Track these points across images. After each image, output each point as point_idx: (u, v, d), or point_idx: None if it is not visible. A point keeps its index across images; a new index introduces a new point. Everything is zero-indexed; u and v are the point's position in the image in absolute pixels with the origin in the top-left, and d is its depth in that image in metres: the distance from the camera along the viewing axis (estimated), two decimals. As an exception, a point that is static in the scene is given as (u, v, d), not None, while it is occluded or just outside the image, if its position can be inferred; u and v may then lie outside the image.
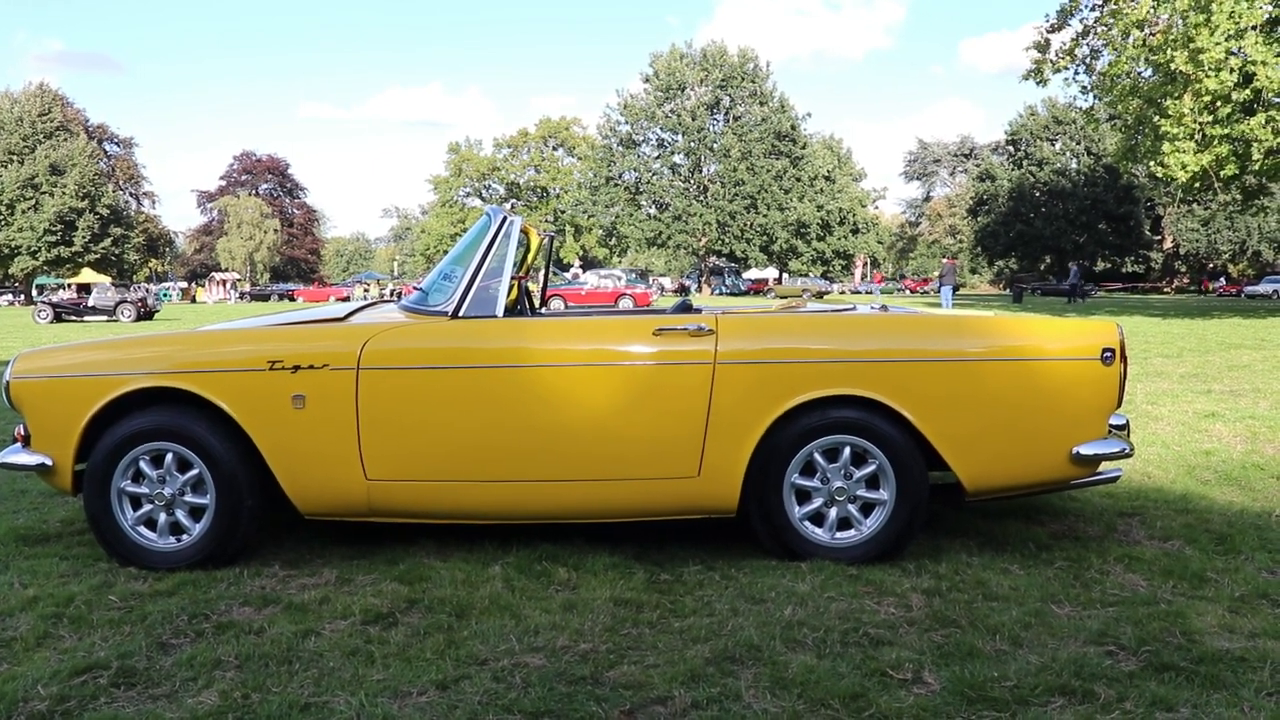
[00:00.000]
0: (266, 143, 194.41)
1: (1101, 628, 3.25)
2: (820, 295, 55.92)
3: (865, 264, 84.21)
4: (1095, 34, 24.76)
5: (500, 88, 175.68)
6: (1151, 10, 21.37)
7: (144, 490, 3.96)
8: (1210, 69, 19.89)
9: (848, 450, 3.92)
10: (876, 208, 79.59)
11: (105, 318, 30.79)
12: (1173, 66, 20.43)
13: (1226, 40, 19.86)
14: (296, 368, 3.86)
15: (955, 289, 33.58)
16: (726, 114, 65.25)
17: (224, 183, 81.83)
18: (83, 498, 4.00)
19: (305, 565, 4.00)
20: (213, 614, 3.43)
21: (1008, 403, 3.94)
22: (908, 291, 74.64)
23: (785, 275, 72.47)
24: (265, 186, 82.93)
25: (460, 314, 3.98)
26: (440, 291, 4.12)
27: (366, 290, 62.18)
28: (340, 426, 3.86)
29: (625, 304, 34.20)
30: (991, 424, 3.94)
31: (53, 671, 2.91)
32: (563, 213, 78.38)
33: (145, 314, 31.03)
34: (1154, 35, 22.13)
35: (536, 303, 5.24)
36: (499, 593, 3.59)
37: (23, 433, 4.11)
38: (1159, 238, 69.75)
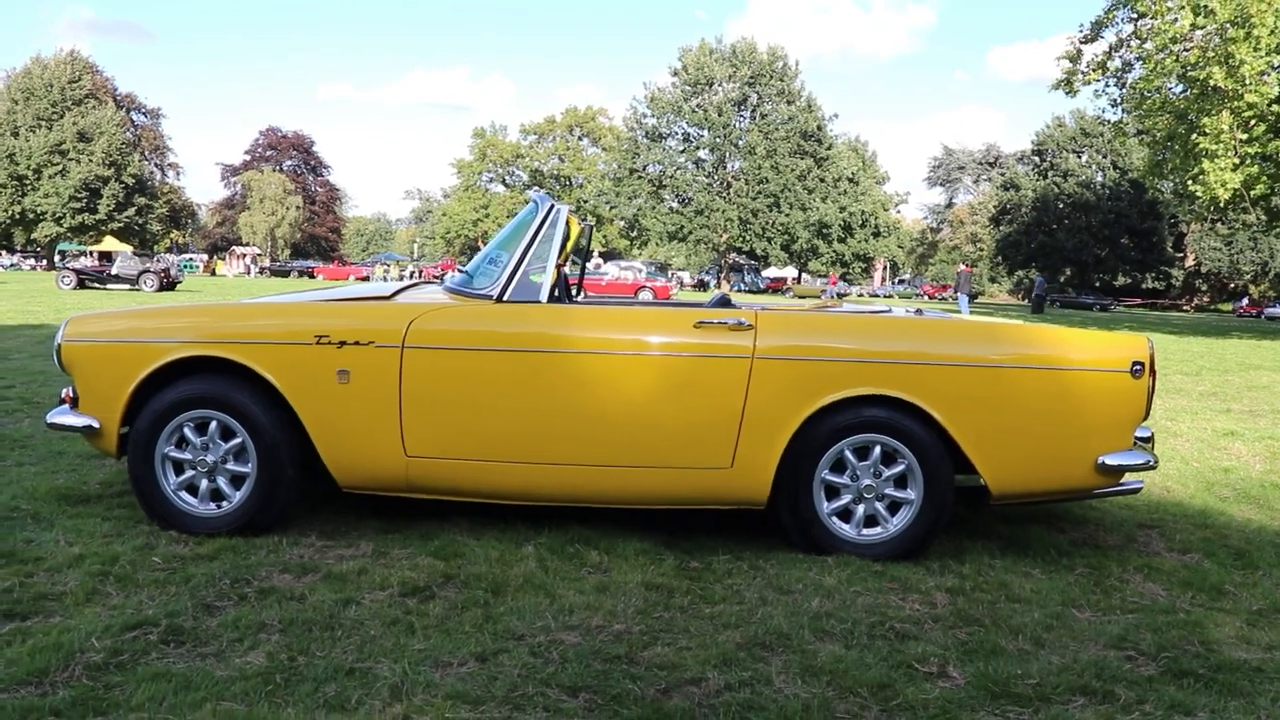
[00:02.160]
0: (291, 120, 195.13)
1: (1121, 633, 3.32)
2: (841, 297, 55.96)
3: (885, 267, 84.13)
4: (1129, 47, 24.71)
5: (525, 75, 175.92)
6: (1190, 26, 21.29)
7: (187, 456, 4.06)
8: (1250, 84, 19.82)
9: (878, 449, 3.99)
10: (898, 212, 79.56)
11: (128, 286, 31.03)
12: (1211, 82, 20.37)
13: (1267, 55, 19.79)
14: (342, 343, 3.95)
15: (972, 297, 33.60)
16: (753, 111, 65.16)
17: (248, 157, 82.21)
18: (127, 461, 4.11)
19: (341, 537, 4.09)
20: (254, 579, 3.52)
21: (1037, 410, 4.01)
22: (926, 297, 74.46)
23: (804, 275, 72.46)
24: (289, 163, 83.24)
25: (505, 298, 4.07)
26: (485, 275, 4.21)
27: (386, 271, 62.43)
28: (383, 402, 3.95)
29: (645, 296, 34.26)
30: (1020, 430, 4.00)
31: (104, 626, 3.00)
32: (585, 203, 78.47)
33: (168, 284, 31.25)
34: (1189, 52, 22.06)
35: (573, 290, 5.32)
36: (533, 572, 3.68)
37: (71, 395, 4.21)
38: (1181, 255, 69.43)
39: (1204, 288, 70.24)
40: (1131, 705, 2.77)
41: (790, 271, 72.28)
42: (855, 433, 3.98)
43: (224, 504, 4.08)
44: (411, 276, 62.16)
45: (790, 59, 65.35)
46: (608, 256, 69.47)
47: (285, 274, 63.77)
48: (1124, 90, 25.79)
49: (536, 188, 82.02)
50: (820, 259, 68.37)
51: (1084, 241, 65.01)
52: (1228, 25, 20.57)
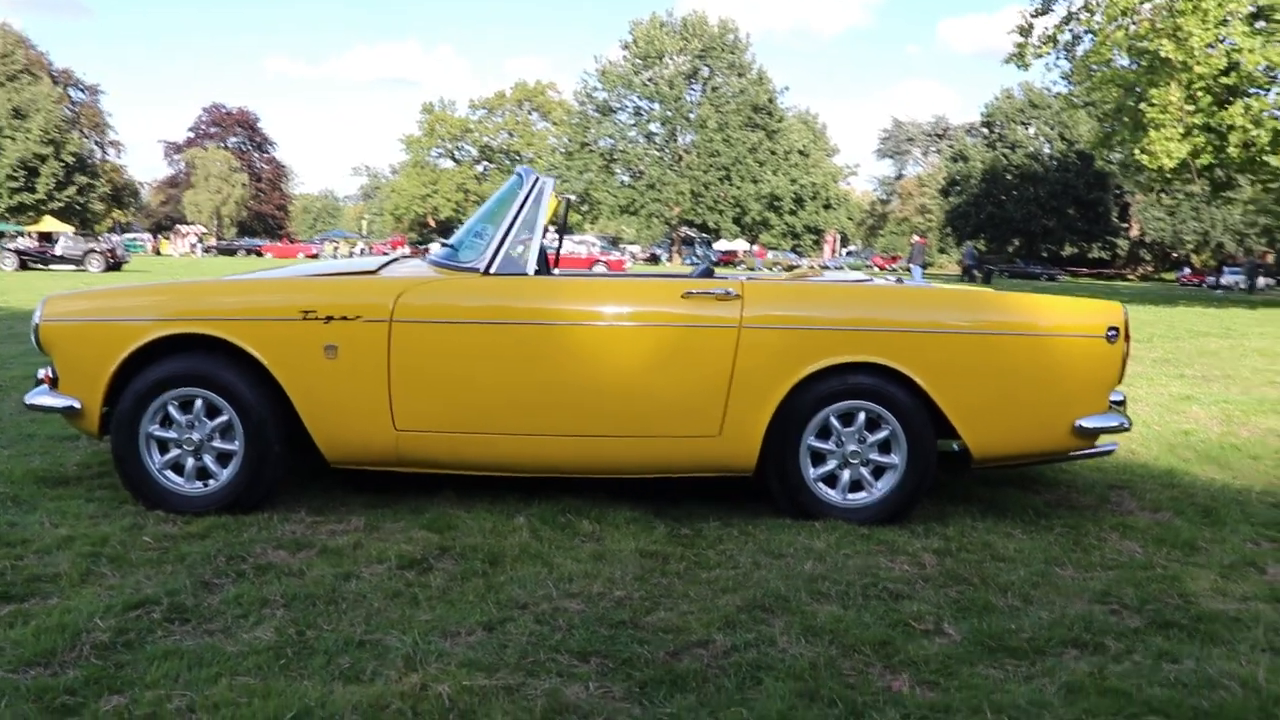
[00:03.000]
0: (235, 96, 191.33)
1: (1104, 588, 3.43)
2: (790, 269, 56.20)
3: (835, 239, 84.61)
4: (1079, 20, 25.02)
5: (474, 48, 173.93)
6: (1139, -2, 21.67)
7: (172, 435, 4.03)
8: (1199, 56, 20.22)
9: (862, 415, 4.07)
10: (848, 184, 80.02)
11: (73, 267, 30.41)
12: (1162, 54, 20.72)
13: (1215, 27, 20.19)
14: (330, 318, 3.94)
15: (924, 267, 34.02)
16: (704, 84, 65.05)
17: (192, 134, 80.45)
18: (110, 441, 4.07)
19: (331, 512, 4.09)
20: (249, 556, 3.52)
21: (1016, 375, 4.11)
22: (876, 268, 75.11)
23: (755, 247, 72.69)
24: (234, 140, 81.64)
25: (492, 271, 4.07)
26: (471, 248, 4.21)
27: (335, 248, 61.68)
28: (372, 377, 3.95)
29: (599, 269, 34.19)
30: (1000, 394, 4.10)
31: (106, 606, 2.99)
32: (535, 177, 77.74)
33: (114, 264, 30.67)
34: (1137, 25, 22.40)
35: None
36: (528, 542, 3.72)
37: (51, 375, 4.16)
38: (1126, 225, 70.63)
39: (1148, 257, 71.57)
40: (1121, 655, 2.87)
41: (742, 244, 72.46)
42: (840, 399, 4.05)
43: (211, 482, 4.06)
44: (361, 254, 61.49)
45: (741, 32, 65.34)
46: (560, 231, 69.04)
47: (232, 253, 62.73)
48: (1073, 63, 26.12)
49: (486, 163, 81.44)
50: (771, 231, 68.61)
51: (1032, 212, 65.87)
52: (1179, -4, 20.97)
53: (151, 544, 3.63)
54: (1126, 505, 4.58)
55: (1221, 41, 20.87)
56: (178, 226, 66.36)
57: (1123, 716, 2.50)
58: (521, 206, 4.13)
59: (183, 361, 4.00)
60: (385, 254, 64.40)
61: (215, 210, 75.31)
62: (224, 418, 4.01)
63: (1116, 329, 4.16)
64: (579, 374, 3.96)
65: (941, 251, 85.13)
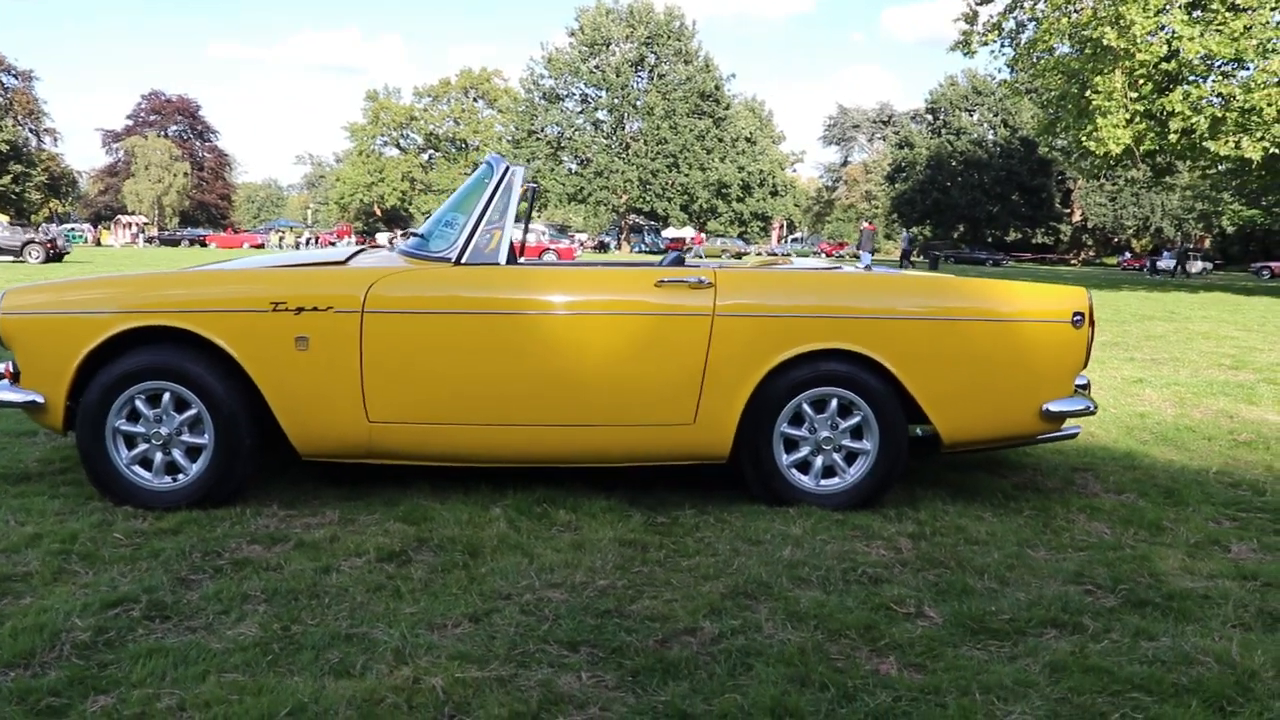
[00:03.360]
0: (176, 83, 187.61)
1: (1077, 569, 3.50)
2: (739, 256, 56.49)
3: (782, 226, 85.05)
4: (1022, 8, 25.36)
5: (419, 35, 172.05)
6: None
7: (139, 429, 3.96)
8: (1140, 43, 20.62)
9: (835, 402, 4.10)
10: (794, 171, 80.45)
11: (11, 258, 29.60)
12: (1105, 41, 21.08)
13: (1155, 15, 20.59)
14: (300, 309, 3.89)
15: (872, 253, 34.39)
16: (651, 72, 65.03)
17: (131, 122, 78.67)
18: (75, 436, 3.99)
19: (304, 506, 4.05)
20: (224, 551, 3.47)
21: (985, 360, 4.16)
22: (823, 254, 75.67)
23: (704, 235, 72.81)
24: (175, 128, 79.98)
25: (463, 260, 4.04)
26: (441, 238, 4.17)
27: (282, 238, 60.78)
28: (343, 369, 3.91)
29: (549, 258, 34.07)
30: (970, 380, 4.15)
31: (83, 604, 2.93)
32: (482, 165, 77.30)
33: (54, 255, 29.88)
34: (1080, 13, 22.76)
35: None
36: (505, 533, 3.70)
37: (11, 369, 4.06)
38: (1068, 211, 71.83)
39: (1090, 242, 72.89)
40: (1100, 634, 2.94)
41: (689, 232, 72.61)
42: (813, 386, 4.08)
43: (180, 477, 3.99)
44: (308, 243, 60.70)
45: (687, 19, 65.34)
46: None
47: (176, 243, 61.51)
48: (1017, 50, 26.47)
49: (432, 151, 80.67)
50: (719, 218, 68.80)
51: (976, 198, 66.78)
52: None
53: (123, 540, 3.56)
54: (1091, 487, 4.67)
55: (1162, 29, 21.30)
56: (118, 217, 65.03)
57: (1107, 694, 2.55)
58: (492, 196, 4.10)
59: (150, 354, 3.92)
60: (331, 243, 63.71)
61: (156, 200, 73.81)
62: (193, 411, 3.94)
63: (1081, 314, 4.23)
64: (552, 364, 3.95)
65: (888, 238, 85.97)
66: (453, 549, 3.52)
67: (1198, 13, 21.51)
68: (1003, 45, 26.65)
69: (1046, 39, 24.06)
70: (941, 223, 69.57)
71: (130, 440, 3.98)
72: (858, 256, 31.61)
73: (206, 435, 3.95)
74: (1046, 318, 4.22)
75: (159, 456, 3.98)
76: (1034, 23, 25.14)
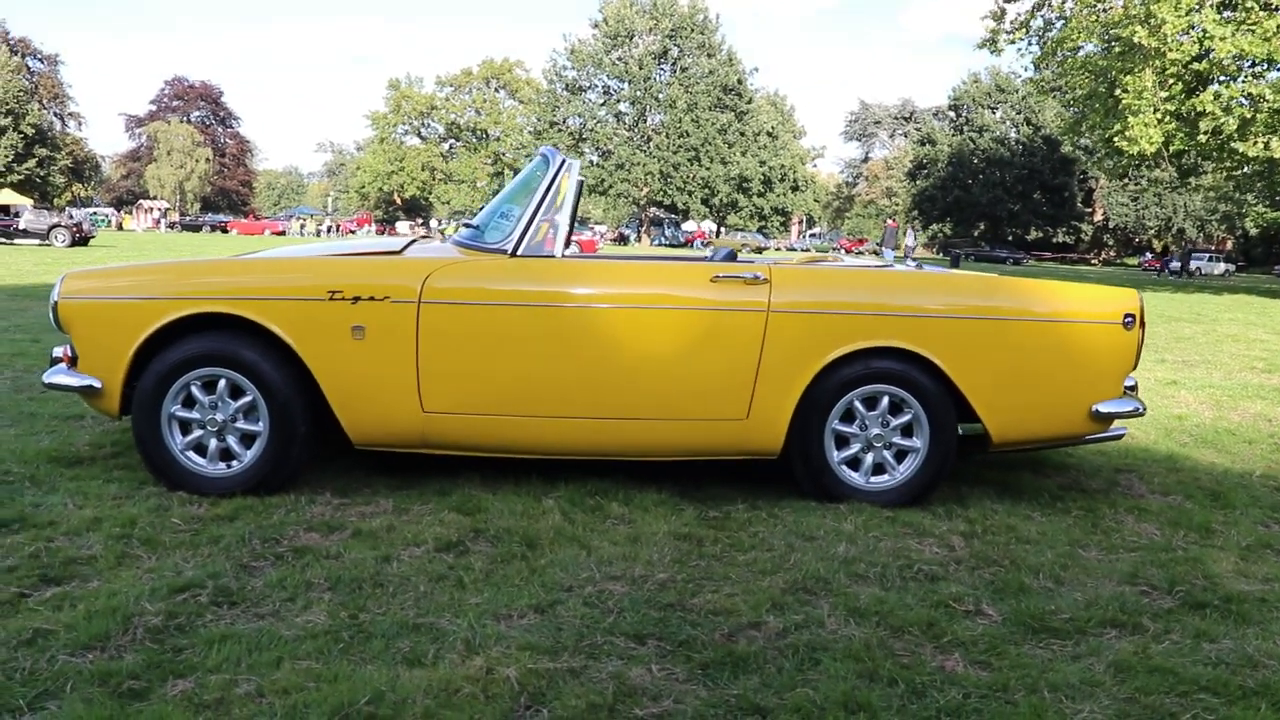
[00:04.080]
0: (199, 70, 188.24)
1: (1131, 570, 3.50)
2: (759, 250, 56.44)
3: (801, 221, 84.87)
4: (1050, 6, 25.21)
5: (442, 24, 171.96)
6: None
7: (195, 415, 4.00)
8: (1171, 42, 20.51)
9: (886, 399, 4.11)
10: (815, 166, 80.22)
11: (38, 241, 29.84)
12: (1136, 40, 20.97)
13: (1186, 14, 20.48)
14: (357, 299, 3.91)
15: (895, 249, 34.36)
16: (674, 65, 64.93)
17: (154, 108, 79.13)
18: (131, 421, 4.03)
19: (356, 494, 4.08)
20: (283, 539, 3.50)
21: (1036, 360, 4.16)
22: (843, 251, 75.45)
23: (723, 229, 72.77)
24: (197, 114, 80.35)
25: (519, 252, 4.06)
26: (497, 229, 4.19)
27: (303, 225, 61.01)
28: (399, 358, 3.93)
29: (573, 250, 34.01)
30: (1020, 379, 4.15)
31: (150, 589, 2.97)
32: (503, 155, 77.60)
33: (80, 239, 30.10)
34: (1110, 11, 22.62)
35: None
36: (561, 524, 3.73)
37: (69, 354, 4.10)
38: (1090, 210, 71.41)
39: (1111, 242, 72.47)
40: (1160, 635, 2.94)
41: (709, 226, 72.52)
42: (864, 384, 4.09)
43: (234, 463, 4.03)
44: (329, 231, 60.92)
45: (711, 12, 65.22)
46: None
47: (198, 228, 61.79)
48: (1044, 48, 26.32)
49: (452, 141, 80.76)
50: (739, 213, 68.72)
51: (998, 196, 66.42)
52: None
53: (181, 526, 3.60)
54: (1136, 489, 4.67)
55: (1193, 29, 21.16)
56: (140, 201, 65.36)
57: (1174, 695, 2.56)
58: (549, 188, 4.12)
59: (206, 341, 3.95)
60: (351, 231, 63.83)
61: (178, 185, 74.18)
62: (248, 398, 3.98)
63: (1133, 315, 4.23)
64: (608, 357, 3.97)
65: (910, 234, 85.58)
66: (510, 540, 3.55)
67: (1229, 13, 21.39)
68: (1029, 44, 26.52)
69: (1075, 37, 23.92)
70: (962, 220, 69.26)
71: (185, 426, 4.02)
72: (878, 253, 31.54)
73: (262, 422, 3.98)
74: (1098, 319, 4.22)
75: (214, 443, 4.02)
76: (1062, 21, 24.99)
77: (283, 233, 59.37)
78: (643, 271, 4.18)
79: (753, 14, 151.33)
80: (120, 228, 58.18)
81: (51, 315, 4.07)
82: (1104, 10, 22.78)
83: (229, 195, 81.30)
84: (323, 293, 3.93)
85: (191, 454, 4.02)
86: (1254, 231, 58.05)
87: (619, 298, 4.00)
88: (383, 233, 68.62)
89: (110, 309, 4.01)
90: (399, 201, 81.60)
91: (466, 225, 4.45)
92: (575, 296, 3.99)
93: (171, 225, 61.90)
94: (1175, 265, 47.22)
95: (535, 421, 4.02)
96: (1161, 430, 6.09)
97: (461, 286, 3.96)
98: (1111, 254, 71.33)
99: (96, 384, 4.00)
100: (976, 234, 69.47)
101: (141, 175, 76.00)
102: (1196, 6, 20.70)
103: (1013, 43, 25.96)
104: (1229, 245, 62.86)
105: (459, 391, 3.97)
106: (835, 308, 4.06)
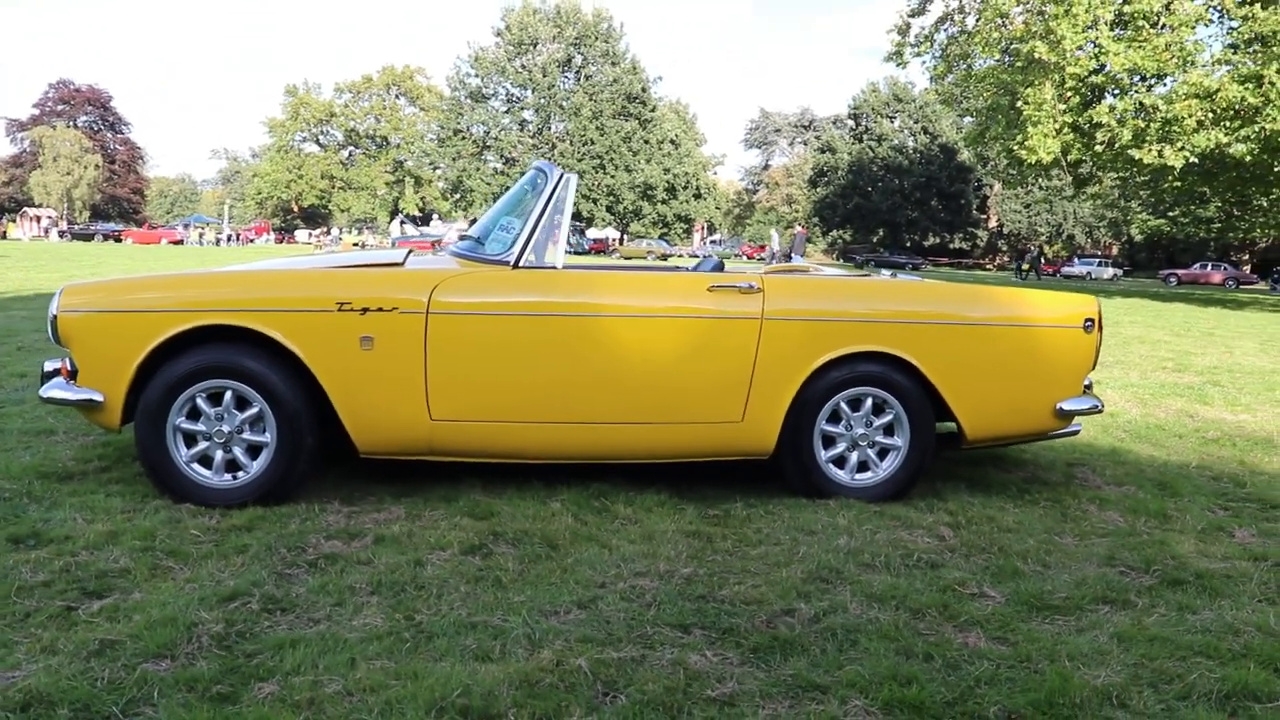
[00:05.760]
0: (86, 72, 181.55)
1: (1108, 553, 3.81)
2: (664, 258, 56.93)
3: (704, 228, 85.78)
4: (953, 21, 26.18)
5: (342, 27, 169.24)
6: (1014, 1, 22.89)
7: (200, 427, 4.03)
8: (1070, 58, 21.54)
9: (869, 400, 4.36)
10: (715, 173, 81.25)
11: (-79, 254, 28.55)
12: (1036, 55, 21.96)
13: (1084, 31, 21.53)
14: (365, 310, 4.00)
15: (803, 256, 35.13)
16: (578, 73, 65.14)
17: (38, 111, 76.19)
18: (135, 434, 4.04)
19: (363, 502, 4.16)
20: (308, 547, 3.57)
21: (1008, 362, 4.47)
22: (745, 257, 76.58)
23: (625, 237, 73.15)
24: (85, 119, 77.69)
25: (521, 264, 4.20)
26: (498, 241, 4.32)
27: (201, 234, 59.43)
28: (407, 368, 4.03)
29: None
30: (993, 380, 4.45)
31: (199, 599, 3.02)
32: (403, 163, 76.87)
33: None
34: (1011, 27, 23.62)
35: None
36: (574, 526, 3.87)
37: (69, 367, 4.10)
38: (985, 216, 73.85)
39: (1004, 247, 75.03)
40: (1149, 609, 3.23)
41: (612, 233, 72.85)
42: (850, 386, 4.34)
43: (240, 475, 4.07)
44: (229, 240, 59.43)
45: (615, 21, 65.58)
46: (425, 220, 68.37)
47: (89, 237, 59.47)
48: (947, 62, 27.30)
49: (352, 148, 79.56)
50: (642, 220, 69.19)
51: (897, 203, 68.25)
52: (1049, 2, 22.24)
53: (201, 537, 3.64)
54: (1092, 480, 5.01)
55: (1090, 44, 22.25)
56: (24, 209, 62.79)
57: (1175, 659, 2.84)
58: (549, 201, 4.27)
59: (213, 353, 3.99)
60: (251, 240, 62.34)
61: (66, 193, 71.53)
62: (254, 409, 4.03)
63: (1092, 320, 4.56)
64: (610, 364, 4.13)
65: (809, 241, 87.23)
66: (530, 542, 3.68)
67: (1121, 30, 22.57)
68: (934, 58, 27.49)
69: (979, 50, 24.90)
70: (862, 227, 70.95)
71: (190, 438, 4.05)
72: (789, 258, 32.19)
73: (268, 433, 4.04)
74: (1061, 323, 4.54)
75: (219, 454, 4.05)
76: (965, 35, 25.98)
77: (180, 242, 57.72)
78: (642, 282, 4.36)
79: (659, 23, 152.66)
80: (4, 236, 55.84)
81: (50, 329, 4.06)
82: (1006, 25, 23.78)
83: (120, 203, 78.67)
84: (331, 304, 4.00)
85: (196, 466, 4.05)
86: (1139, 237, 60.80)
87: (620, 307, 4.16)
88: (281, 241, 67.23)
89: (114, 321, 4.02)
90: (297, 210, 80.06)
91: (464, 236, 4.56)
92: (578, 306, 4.14)
93: (62, 234, 59.60)
94: (1024, 265, 46.59)
95: (540, 427, 4.16)
96: (1099, 427, 6.49)
97: (468, 296, 4.09)
98: (1005, 259, 73.86)
99: (98, 397, 4.00)
100: (876, 240, 71.24)
101: (25, 182, 73.04)
102: (1092, 24, 21.79)
103: (918, 55, 26.91)
104: (1114, 250, 65.68)
105: (466, 399, 4.09)
106: (824, 315, 4.29)
